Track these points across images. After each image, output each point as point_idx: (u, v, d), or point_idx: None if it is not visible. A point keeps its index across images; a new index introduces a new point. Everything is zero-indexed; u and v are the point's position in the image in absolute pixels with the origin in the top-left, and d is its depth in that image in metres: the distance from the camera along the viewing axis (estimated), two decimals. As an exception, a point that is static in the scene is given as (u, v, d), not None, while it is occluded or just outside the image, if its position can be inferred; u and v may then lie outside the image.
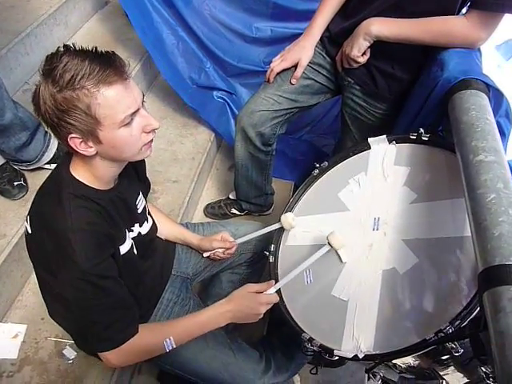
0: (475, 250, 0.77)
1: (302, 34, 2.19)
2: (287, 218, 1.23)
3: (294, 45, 1.49)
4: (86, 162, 0.94)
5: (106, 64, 0.83)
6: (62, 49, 0.83)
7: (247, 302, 1.10)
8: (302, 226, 1.24)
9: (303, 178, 1.30)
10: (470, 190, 0.85)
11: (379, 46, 1.30)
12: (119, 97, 0.84)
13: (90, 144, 0.88)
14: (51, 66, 0.80)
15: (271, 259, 1.26)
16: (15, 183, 1.63)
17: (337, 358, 0.99)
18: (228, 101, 2.36)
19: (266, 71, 2.32)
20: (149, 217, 1.23)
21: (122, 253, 1.05)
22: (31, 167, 1.71)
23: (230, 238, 1.39)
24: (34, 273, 1.61)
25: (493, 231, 0.74)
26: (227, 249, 1.40)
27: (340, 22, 1.42)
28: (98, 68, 0.81)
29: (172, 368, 1.27)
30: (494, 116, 1.02)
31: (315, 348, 1.03)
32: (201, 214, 2.22)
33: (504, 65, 1.67)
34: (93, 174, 0.96)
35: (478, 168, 0.86)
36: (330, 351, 1.01)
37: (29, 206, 1.56)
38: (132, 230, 1.12)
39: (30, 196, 1.65)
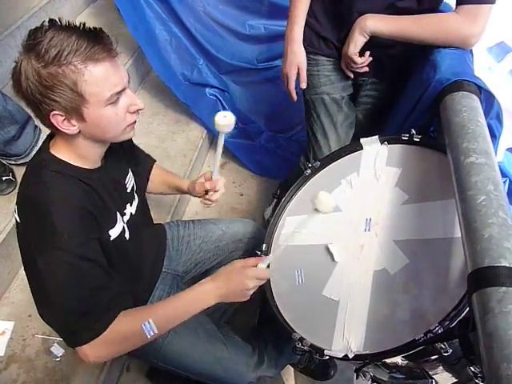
0: (465, 252, 0.77)
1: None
2: (216, 121, 1.05)
3: (286, 57, 1.48)
4: (69, 141, 0.91)
5: (94, 40, 0.81)
6: (46, 23, 0.80)
7: (234, 277, 1.03)
8: (293, 225, 1.24)
9: (296, 176, 1.30)
10: (461, 192, 0.85)
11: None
12: (106, 74, 0.83)
13: (74, 122, 0.86)
14: (35, 40, 0.78)
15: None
16: (3, 178, 1.61)
17: (327, 357, 0.99)
18: (220, 98, 2.35)
19: (259, 69, 2.34)
20: (136, 195, 1.19)
21: (112, 237, 1.01)
22: (20, 161, 1.68)
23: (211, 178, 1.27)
24: (21, 269, 1.60)
25: (482, 233, 0.75)
26: (214, 191, 1.28)
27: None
28: (86, 44, 0.80)
29: (164, 364, 1.24)
30: (485, 118, 1.02)
31: (306, 348, 1.03)
32: (192, 210, 2.22)
33: (495, 67, 1.68)
34: (76, 154, 0.94)
35: (468, 170, 0.87)
36: (321, 351, 1.01)
37: (17, 202, 1.58)
38: (125, 214, 1.09)
39: (19, 191, 1.63)
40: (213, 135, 2.45)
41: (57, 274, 0.89)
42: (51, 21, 0.81)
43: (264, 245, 1.24)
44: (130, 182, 1.16)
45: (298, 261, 1.19)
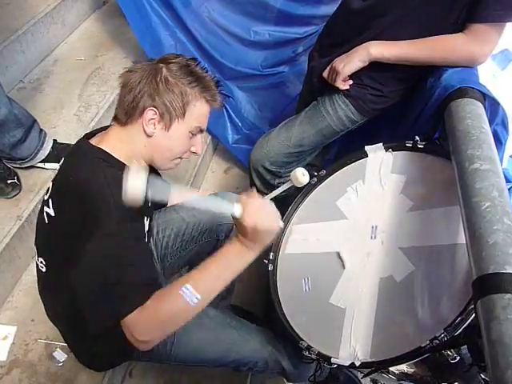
0: (470, 258, 0.77)
1: (300, 38, 2.22)
2: (296, 174, 1.01)
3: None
4: (130, 136, 1.01)
5: (216, 87, 1.07)
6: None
7: (259, 224, 0.89)
8: (300, 234, 1.23)
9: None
10: (466, 198, 0.85)
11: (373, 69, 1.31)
12: (206, 113, 1.06)
13: (157, 126, 1.00)
14: (186, 63, 1.02)
15: (270, 267, 1.24)
16: (8, 181, 1.61)
17: (335, 365, 0.98)
18: (225, 104, 2.35)
19: (264, 75, 2.34)
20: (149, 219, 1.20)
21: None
22: (25, 165, 1.69)
23: None
24: (25, 274, 1.60)
25: (487, 239, 0.75)
26: None
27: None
28: (213, 87, 1.05)
29: (178, 363, 1.21)
30: (490, 124, 1.02)
31: (313, 356, 1.03)
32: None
33: (499, 74, 1.68)
34: (129, 149, 1.01)
35: (473, 176, 0.87)
36: (328, 359, 1.01)
37: (21, 206, 1.59)
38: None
39: (23, 195, 1.64)
40: (217, 141, 2.46)
41: (110, 249, 0.89)
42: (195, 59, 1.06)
43: (271, 253, 1.24)
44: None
45: (304, 269, 1.19)
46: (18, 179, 1.66)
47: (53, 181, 1.04)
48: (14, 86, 2.04)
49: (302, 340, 1.08)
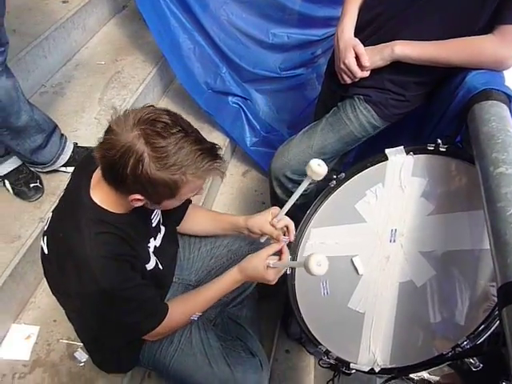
0: (494, 265, 0.75)
1: (318, 40, 2.20)
2: (311, 167, 1.03)
3: (338, 49, 1.35)
4: (117, 196, 0.92)
5: (212, 157, 0.86)
6: (169, 121, 0.82)
7: (256, 276, 1.12)
8: (319, 237, 1.23)
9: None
10: (490, 203, 0.83)
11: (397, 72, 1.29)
12: (201, 184, 0.92)
13: (147, 203, 0.91)
14: (159, 137, 0.80)
15: (288, 270, 1.24)
16: (31, 185, 1.65)
17: (354, 371, 0.97)
18: (243, 106, 2.36)
19: (282, 77, 2.33)
20: (162, 227, 1.22)
21: (148, 269, 1.08)
22: (46, 169, 1.72)
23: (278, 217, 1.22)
24: (47, 274, 1.62)
25: (513, 246, 0.73)
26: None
27: None
28: (206, 161, 0.84)
29: (172, 381, 1.30)
30: (515, 127, 1.00)
31: (332, 361, 1.02)
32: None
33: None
34: (116, 202, 0.95)
35: (498, 181, 0.85)
36: (347, 364, 1.00)
37: (44, 208, 1.61)
38: (149, 247, 1.13)
39: (46, 198, 1.67)
40: (235, 144, 2.47)
41: (103, 306, 0.97)
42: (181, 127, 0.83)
43: (289, 257, 1.23)
44: (157, 217, 1.17)
45: (323, 272, 1.18)
46: (41, 182, 1.69)
47: (52, 211, 1.03)
48: (37, 90, 2.08)
49: (321, 345, 1.07)
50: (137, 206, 0.92)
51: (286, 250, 1.13)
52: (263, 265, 1.10)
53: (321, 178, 1.02)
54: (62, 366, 1.42)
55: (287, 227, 1.19)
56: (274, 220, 1.20)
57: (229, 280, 1.15)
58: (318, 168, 1.00)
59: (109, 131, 0.82)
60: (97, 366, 1.32)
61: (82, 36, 2.38)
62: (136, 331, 1.09)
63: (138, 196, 0.88)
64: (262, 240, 1.29)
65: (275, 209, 1.22)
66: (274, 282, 1.12)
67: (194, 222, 1.37)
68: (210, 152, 0.86)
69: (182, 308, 1.14)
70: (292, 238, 1.19)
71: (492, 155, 0.90)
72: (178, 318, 1.12)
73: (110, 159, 0.82)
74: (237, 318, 1.46)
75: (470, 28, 1.16)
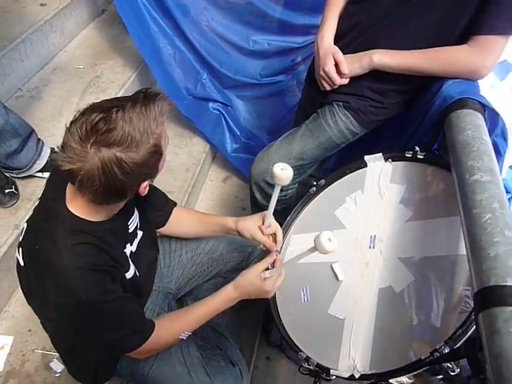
0: (471, 270, 0.77)
1: (298, 47, 2.22)
2: (274, 173, 1.02)
3: (318, 56, 1.37)
4: (95, 205, 0.90)
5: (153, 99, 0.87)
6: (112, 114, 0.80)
7: (253, 291, 1.11)
8: (299, 243, 1.23)
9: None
10: (466, 210, 0.85)
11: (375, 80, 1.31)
12: (165, 130, 0.92)
13: (152, 180, 0.93)
14: (109, 133, 0.78)
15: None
16: (6, 191, 1.61)
17: (334, 377, 0.98)
18: (223, 112, 2.36)
19: (262, 84, 2.34)
20: (139, 232, 1.18)
21: (128, 277, 1.05)
22: (22, 175, 1.68)
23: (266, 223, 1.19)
24: (22, 283, 1.58)
25: (488, 251, 0.74)
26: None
27: None
28: (153, 106, 0.85)
29: None
30: (490, 135, 1.03)
31: (312, 367, 1.02)
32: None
33: (498, 85, 1.69)
34: (96, 210, 0.93)
35: (473, 188, 0.87)
36: (327, 370, 1.00)
37: (19, 215, 1.58)
38: (125, 252, 1.09)
39: (21, 204, 1.63)
40: (215, 150, 2.46)
41: (84, 319, 0.94)
42: (107, 108, 0.80)
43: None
44: (134, 222, 1.14)
45: (303, 279, 1.18)
46: (16, 188, 1.65)
47: (27, 221, 1.00)
48: (13, 94, 2.03)
49: (301, 351, 1.07)
50: (142, 190, 0.91)
51: (278, 259, 1.15)
52: (260, 278, 1.10)
53: (287, 183, 1.02)
54: (37, 376, 1.38)
55: (275, 234, 1.19)
56: (262, 226, 1.19)
57: (223, 298, 1.13)
58: (282, 172, 1.00)
59: (73, 170, 0.79)
60: (73, 377, 1.28)
61: (61, 39, 2.34)
62: (118, 348, 1.06)
63: (144, 183, 0.89)
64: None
65: (265, 213, 1.21)
66: (272, 295, 1.13)
67: (183, 224, 1.35)
68: (148, 98, 0.85)
69: (170, 326, 1.10)
70: (278, 247, 1.18)
71: (468, 163, 0.92)
72: (166, 336, 1.09)
73: (99, 187, 0.82)
74: (217, 326, 1.45)
75: (447, 38, 1.19)
